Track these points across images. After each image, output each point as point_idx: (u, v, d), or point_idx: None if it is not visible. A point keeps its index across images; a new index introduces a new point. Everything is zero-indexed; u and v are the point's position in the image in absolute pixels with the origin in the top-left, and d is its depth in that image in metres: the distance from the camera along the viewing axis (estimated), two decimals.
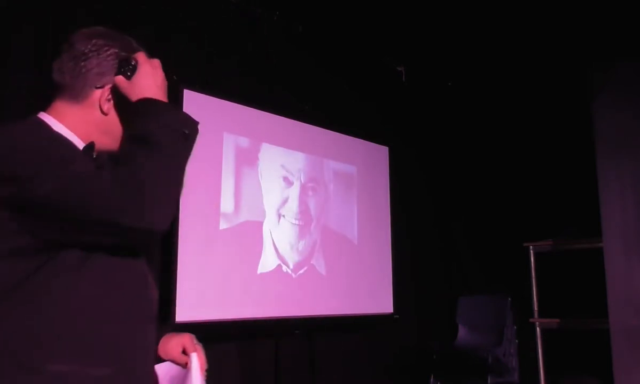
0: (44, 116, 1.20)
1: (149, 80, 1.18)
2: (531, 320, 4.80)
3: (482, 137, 5.52)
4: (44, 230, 1.05)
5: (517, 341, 4.83)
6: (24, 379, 1.03)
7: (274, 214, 3.93)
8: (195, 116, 1.20)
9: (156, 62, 1.22)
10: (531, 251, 4.89)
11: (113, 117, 1.25)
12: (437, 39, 4.63)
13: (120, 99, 1.22)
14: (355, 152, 4.57)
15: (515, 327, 4.84)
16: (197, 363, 1.34)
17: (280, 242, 3.94)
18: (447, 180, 5.38)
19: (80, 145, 1.19)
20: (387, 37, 4.64)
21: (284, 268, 3.94)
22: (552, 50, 4.61)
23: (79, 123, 1.22)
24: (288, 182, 4.06)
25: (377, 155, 4.75)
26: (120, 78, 1.19)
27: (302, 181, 4.15)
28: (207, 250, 3.50)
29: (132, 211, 1.02)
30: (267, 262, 3.84)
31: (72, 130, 1.21)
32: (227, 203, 3.66)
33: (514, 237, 4.99)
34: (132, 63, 1.19)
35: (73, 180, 1.04)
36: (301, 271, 4.05)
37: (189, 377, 1.31)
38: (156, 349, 1.36)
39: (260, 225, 3.84)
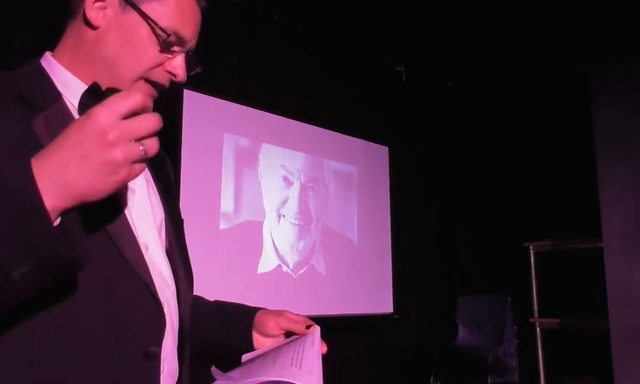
0: (45, 58, 0.93)
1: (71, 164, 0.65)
2: (531, 320, 4.80)
3: (482, 137, 5.52)
4: None
5: (517, 341, 4.83)
6: None
7: (274, 214, 3.93)
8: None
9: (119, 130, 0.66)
10: (531, 251, 4.89)
11: (108, 36, 0.88)
12: (437, 39, 4.63)
13: (120, 15, 0.89)
14: (355, 152, 4.58)
15: (515, 327, 4.84)
16: (319, 338, 1.00)
17: (280, 242, 3.94)
18: (447, 180, 5.38)
19: (81, 90, 0.85)
20: (387, 37, 4.64)
21: (284, 268, 3.94)
22: (552, 49, 4.61)
23: (75, 53, 0.91)
24: (288, 182, 4.06)
25: (377, 155, 4.75)
26: None
27: (302, 181, 4.15)
28: (207, 250, 3.50)
29: None
30: (267, 262, 3.84)
31: (71, 69, 0.90)
32: (227, 203, 3.66)
33: (514, 237, 4.99)
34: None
35: None
36: (301, 271, 4.05)
37: (307, 350, 0.95)
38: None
39: (260, 225, 3.84)
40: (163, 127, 0.68)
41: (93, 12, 0.88)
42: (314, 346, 0.96)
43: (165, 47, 0.91)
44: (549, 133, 5.19)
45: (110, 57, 0.89)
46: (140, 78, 0.92)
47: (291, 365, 0.91)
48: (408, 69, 5.18)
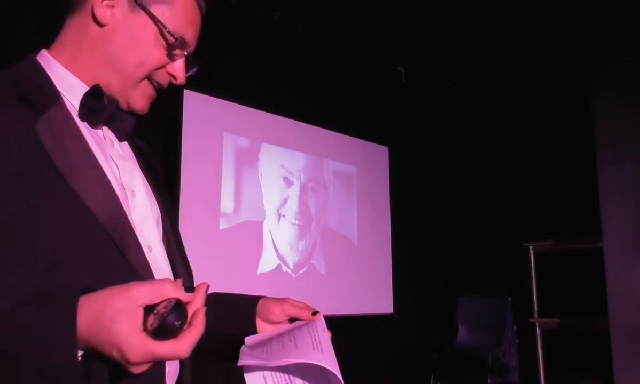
0: (42, 55, 0.91)
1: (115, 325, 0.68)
2: (531, 320, 4.80)
3: (482, 137, 5.52)
4: None
5: (517, 341, 4.83)
6: None
7: (274, 214, 3.93)
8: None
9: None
10: (531, 251, 4.88)
11: (115, 35, 0.88)
12: (437, 39, 4.63)
13: (129, 15, 0.88)
14: (355, 152, 4.58)
15: (515, 327, 4.84)
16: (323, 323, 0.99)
17: (280, 242, 3.94)
18: (447, 180, 5.39)
19: (81, 90, 0.88)
20: (387, 37, 4.64)
21: (284, 268, 3.94)
22: (552, 49, 4.61)
23: (77, 51, 0.89)
24: (288, 182, 4.06)
25: (377, 155, 4.75)
26: None
27: (302, 181, 4.15)
28: (207, 250, 3.50)
29: None
30: (267, 262, 3.84)
31: (71, 68, 0.89)
32: (227, 203, 3.66)
33: (514, 237, 5.00)
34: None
35: None
36: (301, 271, 4.05)
37: (322, 336, 0.95)
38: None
39: (260, 225, 3.84)
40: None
41: (101, 10, 0.87)
42: (325, 333, 0.96)
43: (170, 49, 0.92)
44: (549, 133, 5.20)
45: (116, 56, 0.89)
46: (144, 78, 0.92)
47: (314, 349, 0.90)
48: (408, 69, 5.18)
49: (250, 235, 3.77)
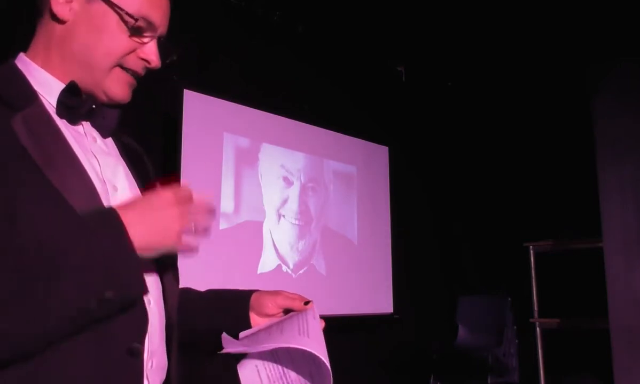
0: (20, 58, 0.93)
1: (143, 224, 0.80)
2: (531, 320, 4.80)
3: (482, 137, 5.52)
4: None
5: (517, 341, 4.83)
6: None
7: (274, 214, 3.93)
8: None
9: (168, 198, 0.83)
10: (531, 251, 4.88)
11: (77, 29, 0.89)
12: (437, 39, 4.63)
13: (87, 6, 0.89)
14: (355, 152, 4.57)
15: (515, 327, 4.84)
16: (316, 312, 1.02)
17: (280, 242, 3.94)
18: (447, 180, 5.38)
19: (58, 88, 0.89)
20: (387, 37, 4.64)
21: (284, 268, 3.94)
22: (552, 49, 4.61)
23: (47, 51, 0.91)
24: (288, 182, 4.06)
25: (377, 155, 4.75)
26: None
27: (302, 181, 4.15)
28: (207, 250, 3.49)
29: None
30: (267, 262, 3.84)
31: (46, 68, 0.91)
32: (227, 203, 3.66)
33: (514, 237, 5.00)
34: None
35: None
36: (301, 271, 4.05)
37: (311, 322, 0.97)
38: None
39: (260, 225, 3.84)
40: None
41: (59, 7, 0.88)
42: (316, 320, 0.97)
43: (135, 32, 0.91)
44: (549, 133, 5.20)
45: (82, 50, 0.89)
46: (115, 65, 0.91)
47: (299, 334, 0.92)
48: (408, 69, 5.18)
49: (250, 235, 3.77)
